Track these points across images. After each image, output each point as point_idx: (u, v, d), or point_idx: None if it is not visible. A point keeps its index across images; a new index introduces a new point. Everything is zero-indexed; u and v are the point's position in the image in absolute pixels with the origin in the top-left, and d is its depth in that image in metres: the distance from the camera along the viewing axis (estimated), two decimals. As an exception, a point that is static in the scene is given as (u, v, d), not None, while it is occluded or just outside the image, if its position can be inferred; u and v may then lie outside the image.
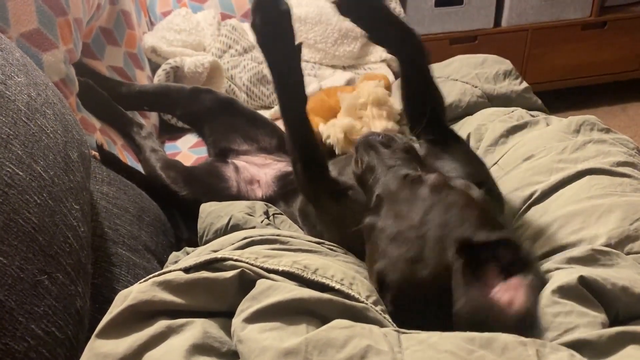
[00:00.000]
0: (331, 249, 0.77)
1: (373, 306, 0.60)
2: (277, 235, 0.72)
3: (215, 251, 0.66)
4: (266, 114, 1.43)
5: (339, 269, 0.62)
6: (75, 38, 1.03)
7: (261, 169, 1.13)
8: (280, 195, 1.08)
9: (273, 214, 0.97)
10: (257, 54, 1.64)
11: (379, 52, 1.77)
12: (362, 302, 0.59)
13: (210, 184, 1.10)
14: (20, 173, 0.58)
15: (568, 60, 2.51)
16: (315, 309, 0.54)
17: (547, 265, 0.67)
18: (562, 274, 0.62)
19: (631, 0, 2.49)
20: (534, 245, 0.79)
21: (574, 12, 2.41)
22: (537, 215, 0.84)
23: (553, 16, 2.40)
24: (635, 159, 0.87)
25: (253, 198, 1.09)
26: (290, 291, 0.54)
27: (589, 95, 2.68)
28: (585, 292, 0.58)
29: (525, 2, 2.35)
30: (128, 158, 1.12)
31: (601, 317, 0.57)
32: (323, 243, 0.78)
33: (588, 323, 0.56)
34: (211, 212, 0.96)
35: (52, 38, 0.94)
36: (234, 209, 0.94)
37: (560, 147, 0.91)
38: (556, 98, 2.57)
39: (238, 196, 1.08)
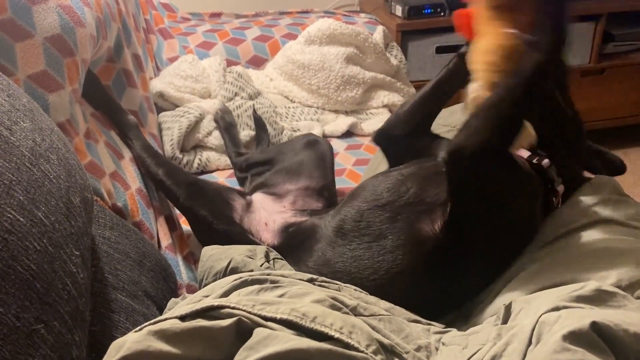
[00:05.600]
0: (322, 285, 0.77)
1: (373, 356, 0.59)
2: (268, 275, 0.72)
3: (206, 296, 0.66)
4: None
5: (338, 317, 0.62)
6: (81, 77, 1.05)
7: (270, 215, 1.13)
8: (286, 246, 1.07)
9: (274, 258, 0.96)
10: (263, 99, 1.67)
11: (380, 98, 1.80)
12: (362, 351, 0.58)
13: (215, 204, 1.11)
14: (21, 219, 0.58)
15: (569, 106, 2.54)
16: (314, 359, 0.53)
17: (554, 302, 0.66)
18: (572, 317, 0.61)
19: (629, 48, 2.54)
20: (542, 277, 0.80)
21: (573, 58, 2.45)
22: (548, 252, 0.85)
23: (553, 63, 2.44)
24: None
25: (256, 234, 1.09)
26: (289, 341, 0.54)
27: (590, 140, 2.69)
28: (597, 339, 0.57)
29: (525, 49, 2.39)
30: (140, 203, 1.11)
31: (613, 367, 0.56)
32: (315, 280, 0.78)
33: (599, 374, 0.55)
34: (212, 256, 0.95)
35: (59, 79, 0.96)
36: (235, 252, 0.94)
37: (580, 201, 0.93)
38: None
39: (241, 224, 1.09)
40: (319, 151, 1.26)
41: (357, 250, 0.90)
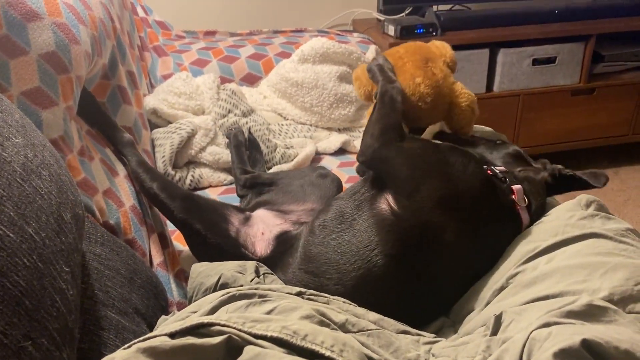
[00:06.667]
0: (311, 298, 0.77)
1: (364, 374, 0.58)
2: (256, 289, 0.72)
3: (194, 312, 0.65)
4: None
5: (329, 335, 0.61)
6: (76, 94, 1.05)
7: (268, 227, 1.13)
8: (276, 253, 1.08)
9: (264, 274, 0.96)
10: (257, 117, 1.68)
11: (373, 116, 1.81)
12: (353, 370, 0.58)
13: (210, 217, 1.11)
14: (11, 235, 0.58)
15: (559, 125, 2.57)
16: (304, 377, 0.53)
17: (545, 318, 0.66)
18: (563, 334, 0.61)
19: (618, 68, 2.58)
20: (534, 289, 0.80)
21: (563, 78, 2.49)
22: (541, 263, 0.86)
23: (543, 82, 2.48)
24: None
25: (250, 247, 1.09)
26: (279, 359, 0.53)
27: (581, 159, 2.73)
28: (588, 357, 0.57)
29: (516, 69, 2.42)
30: (133, 220, 1.11)
31: (603, 385, 0.56)
32: (303, 293, 0.78)
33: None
34: (201, 272, 0.95)
35: (53, 95, 0.96)
36: (224, 268, 0.94)
37: (568, 215, 0.94)
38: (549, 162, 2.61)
39: (236, 238, 1.09)
40: (328, 182, 1.30)
41: (337, 239, 0.97)
